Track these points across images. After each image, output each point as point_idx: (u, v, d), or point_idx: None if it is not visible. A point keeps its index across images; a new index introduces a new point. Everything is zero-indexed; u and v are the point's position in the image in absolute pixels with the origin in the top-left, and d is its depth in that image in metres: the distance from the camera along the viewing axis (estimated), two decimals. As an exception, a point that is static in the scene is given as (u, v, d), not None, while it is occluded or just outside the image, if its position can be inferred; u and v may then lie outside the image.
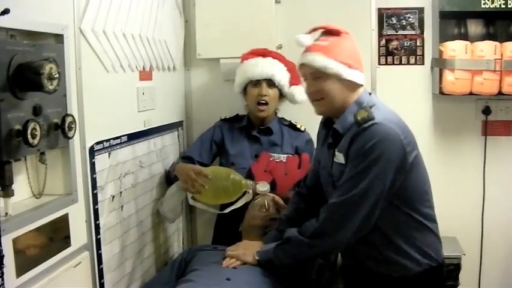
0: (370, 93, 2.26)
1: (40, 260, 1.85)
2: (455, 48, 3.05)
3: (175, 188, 2.87)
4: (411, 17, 3.23)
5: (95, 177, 2.25)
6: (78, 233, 2.11)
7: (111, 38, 2.36)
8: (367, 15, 3.19)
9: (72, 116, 1.95)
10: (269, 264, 2.36)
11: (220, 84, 3.35)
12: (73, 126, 1.95)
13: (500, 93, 3.03)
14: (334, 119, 2.25)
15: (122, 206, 2.49)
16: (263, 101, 2.95)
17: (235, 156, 3.02)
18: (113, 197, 2.41)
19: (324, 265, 2.60)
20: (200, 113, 3.40)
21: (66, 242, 2.02)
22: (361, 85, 2.22)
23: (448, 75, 3.05)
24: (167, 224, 3.04)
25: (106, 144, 2.34)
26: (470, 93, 3.07)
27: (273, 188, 2.83)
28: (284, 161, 2.97)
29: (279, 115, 3.14)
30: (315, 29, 2.25)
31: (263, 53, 3.02)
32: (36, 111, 1.77)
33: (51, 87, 1.72)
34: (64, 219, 2.01)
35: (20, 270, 1.74)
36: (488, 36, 3.16)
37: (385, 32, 3.24)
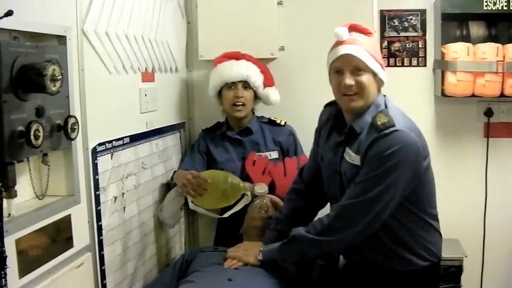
0: (384, 95, 2.27)
1: (43, 261, 1.86)
2: (457, 50, 3.04)
3: (173, 193, 2.88)
4: (413, 18, 3.23)
5: (97, 179, 2.25)
6: (81, 234, 2.11)
7: (113, 40, 2.37)
8: (369, 17, 3.18)
9: (74, 117, 1.96)
10: (272, 264, 2.37)
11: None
12: (76, 127, 1.96)
13: (502, 95, 3.02)
14: (347, 116, 2.26)
15: (124, 207, 2.50)
16: (239, 103, 2.97)
17: (223, 162, 3.03)
18: (115, 198, 2.41)
19: (324, 266, 2.60)
20: (202, 114, 3.40)
21: (68, 243, 2.02)
22: (383, 86, 2.25)
23: (450, 77, 3.04)
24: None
25: (108, 146, 2.35)
26: (473, 95, 3.06)
27: (272, 189, 2.83)
28: (276, 157, 3.01)
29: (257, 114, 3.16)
30: (350, 25, 2.24)
31: (236, 56, 3.05)
32: (39, 112, 1.78)
33: (54, 89, 1.73)
34: (66, 220, 2.01)
35: (23, 271, 1.75)
36: (490, 38, 3.15)
37: (387, 34, 3.24)
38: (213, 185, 2.72)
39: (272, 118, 3.13)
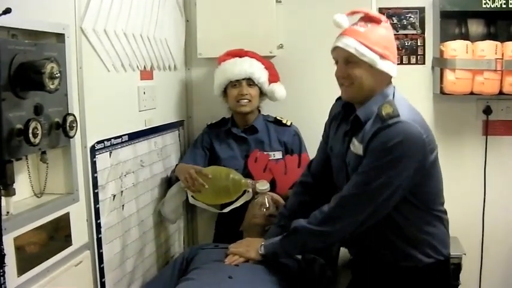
0: (394, 87, 2.26)
1: (41, 259, 1.86)
2: (456, 48, 3.04)
3: (175, 188, 2.88)
4: (412, 16, 3.23)
5: (96, 177, 2.25)
6: (79, 232, 2.11)
7: (112, 38, 2.36)
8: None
9: (73, 115, 1.96)
10: (274, 259, 2.36)
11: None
12: (74, 125, 1.96)
13: (501, 93, 3.03)
14: (356, 106, 2.25)
15: (123, 205, 2.50)
16: (244, 99, 2.97)
17: (226, 159, 3.03)
18: (114, 196, 2.41)
19: (325, 264, 2.60)
20: (201, 112, 3.40)
21: (67, 241, 2.02)
22: (391, 76, 2.24)
23: (449, 75, 3.04)
24: (168, 223, 3.04)
25: (107, 144, 2.35)
26: (471, 93, 3.06)
27: (273, 187, 2.83)
28: (279, 157, 3.00)
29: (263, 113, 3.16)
30: (354, 12, 2.24)
31: (239, 54, 3.05)
32: (38, 110, 1.78)
33: (52, 87, 1.73)
34: (65, 218, 2.01)
35: (21, 269, 1.75)
36: (489, 36, 3.15)
37: (386, 32, 3.24)
38: (214, 181, 2.72)
39: (278, 118, 3.13)
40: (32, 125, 1.71)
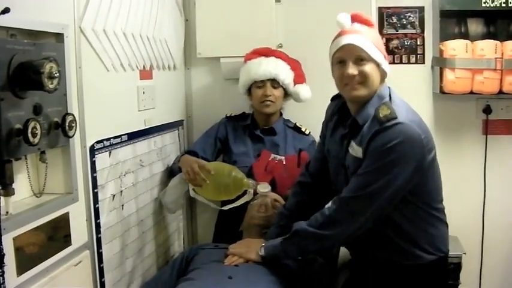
0: (388, 87, 2.26)
1: (40, 259, 1.86)
2: (455, 47, 3.04)
3: (177, 179, 2.88)
4: (411, 16, 3.23)
5: (96, 176, 2.25)
6: (79, 232, 2.11)
7: (111, 37, 2.36)
8: (368, 14, 3.17)
9: (72, 115, 1.96)
10: (274, 261, 2.36)
11: (220, 83, 3.35)
12: (73, 125, 1.95)
13: (500, 92, 3.03)
14: (352, 108, 2.24)
15: (123, 205, 2.50)
16: (268, 101, 2.95)
17: (238, 154, 3.02)
18: (114, 196, 2.41)
19: (325, 264, 2.60)
20: (200, 112, 3.40)
21: (66, 240, 2.02)
22: (386, 77, 2.24)
23: (448, 74, 3.04)
24: (168, 222, 3.04)
25: (106, 143, 2.34)
26: (471, 92, 3.06)
27: (273, 187, 2.83)
28: (284, 162, 2.97)
29: (285, 116, 3.14)
30: (355, 15, 2.24)
31: (266, 53, 3.02)
32: (37, 110, 1.77)
33: (51, 86, 1.73)
34: (64, 218, 2.01)
35: (21, 269, 1.75)
36: (488, 35, 3.15)
37: (385, 31, 3.24)
38: (216, 177, 2.72)
39: (298, 125, 3.11)
40: (31, 124, 1.70)
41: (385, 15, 3.24)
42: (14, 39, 1.73)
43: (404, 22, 3.23)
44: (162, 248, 2.98)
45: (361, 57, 2.14)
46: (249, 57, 3.03)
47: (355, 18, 2.22)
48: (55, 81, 1.74)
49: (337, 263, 2.84)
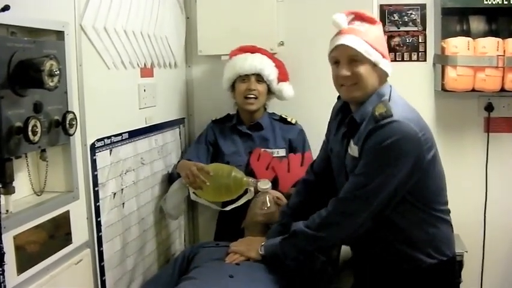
0: (390, 86, 2.23)
1: (41, 257, 1.86)
2: (457, 45, 3.03)
3: (177, 185, 2.87)
4: (413, 13, 3.22)
5: (96, 175, 2.24)
6: (79, 230, 2.11)
7: (112, 35, 2.35)
8: (369, 12, 3.15)
9: (73, 113, 1.95)
10: (274, 259, 2.35)
11: (221, 81, 3.33)
12: (74, 123, 1.95)
13: (502, 89, 3.02)
14: (352, 107, 2.23)
15: (123, 203, 2.49)
16: (252, 96, 2.96)
17: (230, 155, 3.03)
18: (114, 194, 2.40)
19: (326, 262, 2.59)
20: (202, 109, 3.39)
21: (67, 239, 2.02)
22: (387, 75, 2.22)
23: (450, 72, 3.03)
24: (169, 221, 3.04)
25: (107, 141, 2.34)
26: (473, 90, 3.05)
27: (276, 185, 2.82)
28: (283, 155, 2.99)
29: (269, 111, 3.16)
30: (351, 13, 2.21)
31: (252, 50, 3.05)
32: (37, 108, 1.77)
33: (51, 84, 1.72)
34: (65, 216, 2.01)
35: (21, 268, 1.75)
36: (490, 33, 3.14)
37: (387, 29, 3.22)
38: (216, 178, 2.72)
39: (283, 116, 3.12)
40: (32, 122, 1.70)
41: (386, 12, 3.23)
42: (14, 37, 1.73)
43: (406, 19, 3.22)
44: (163, 246, 2.98)
45: (354, 58, 2.13)
46: (234, 53, 3.05)
47: (356, 16, 2.20)
48: (55, 79, 1.73)
49: (338, 261, 2.84)
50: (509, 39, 2.99)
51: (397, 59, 3.24)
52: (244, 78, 2.97)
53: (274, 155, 2.98)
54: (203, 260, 2.48)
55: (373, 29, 2.19)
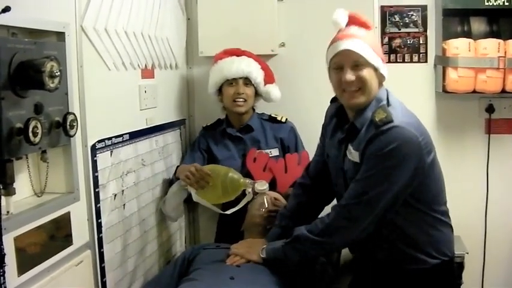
0: (386, 89, 2.23)
1: (41, 259, 1.85)
2: (458, 46, 3.03)
3: (176, 187, 2.87)
4: (414, 14, 3.22)
5: (97, 176, 2.24)
6: (80, 232, 2.10)
7: (112, 36, 2.35)
8: (370, 13, 3.16)
9: (73, 114, 1.95)
10: (276, 262, 2.35)
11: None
12: (75, 124, 1.95)
13: (503, 91, 3.01)
14: (349, 113, 2.23)
15: (124, 205, 2.49)
16: (240, 99, 2.96)
17: (223, 160, 3.02)
18: (115, 195, 2.40)
19: (326, 263, 2.59)
20: (202, 111, 3.39)
21: (67, 240, 2.02)
22: (384, 80, 2.22)
23: (451, 73, 3.03)
24: (169, 222, 3.03)
25: (108, 143, 2.34)
26: (474, 91, 3.05)
27: (274, 185, 2.82)
28: (277, 154, 3.00)
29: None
30: (352, 16, 2.21)
31: (237, 53, 3.04)
32: (38, 109, 1.77)
33: (52, 85, 1.72)
34: (66, 217, 2.00)
35: (22, 269, 1.74)
36: (491, 34, 3.14)
37: (387, 30, 3.22)
38: (214, 179, 2.71)
39: (273, 115, 3.12)
40: (32, 124, 1.70)
41: (387, 13, 3.23)
42: (15, 38, 1.73)
43: (407, 21, 3.22)
44: (163, 247, 2.97)
45: (358, 63, 2.12)
46: (220, 56, 3.04)
47: (352, 20, 2.19)
48: (56, 80, 1.73)
49: (339, 263, 2.83)
50: (510, 40, 2.99)
51: (398, 61, 3.24)
52: (232, 82, 2.97)
53: (271, 155, 2.98)
54: (204, 262, 2.47)
55: (371, 34, 2.21)
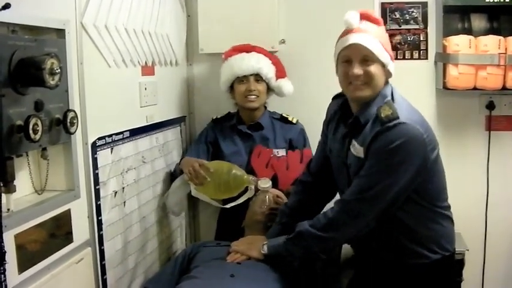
0: (391, 86, 2.24)
1: (42, 256, 1.85)
2: (459, 43, 3.03)
3: (179, 181, 2.88)
4: (415, 11, 3.21)
5: (97, 173, 2.24)
6: (81, 229, 2.10)
7: (113, 33, 2.35)
8: (370, 10, 3.16)
9: (74, 111, 1.95)
10: (277, 259, 2.35)
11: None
12: (75, 121, 1.94)
13: (504, 88, 3.01)
14: (354, 107, 2.23)
15: (125, 202, 2.49)
16: (252, 95, 2.95)
17: (230, 155, 3.02)
18: (116, 192, 2.40)
19: (327, 260, 2.59)
20: (203, 108, 3.39)
21: (68, 238, 2.01)
22: (390, 77, 2.22)
23: (451, 70, 3.03)
24: (170, 219, 3.04)
25: (108, 140, 2.34)
26: (474, 88, 3.05)
27: (275, 182, 2.82)
28: (283, 155, 2.98)
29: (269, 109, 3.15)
30: (363, 14, 2.20)
31: (246, 49, 3.03)
32: (38, 106, 1.77)
33: (52, 83, 1.72)
34: (66, 215, 2.00)
35: (22, 267, 1.74)
36: (492, 31, 3.13)
37: (388, 27, 3.21)
38: (216, 175, 2.72)
39: (284, 115, 3.11)
40: (33, 121, 1.70)
41: (388, 10, 3.22)
42: (15, 35, 1.72)
43: (408, 17, 3.21)
44: (164, 244, 2.97)
45: (367, 58, 2.12)
46: (229, 53, 3.03)
47: (364, 16, 2.19)
48: (56, 78, 1.73)
49: (339, 260, 2.83)
50: (510, 37, 2.99)
51: (399, 57, 3.23)
52: (242, 79, 2.96)
53: (278, 156, 2.97)
54: (204, 259, 2.47)
55: (381, 30, 2.21)
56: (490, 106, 3.22)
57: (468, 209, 3.19)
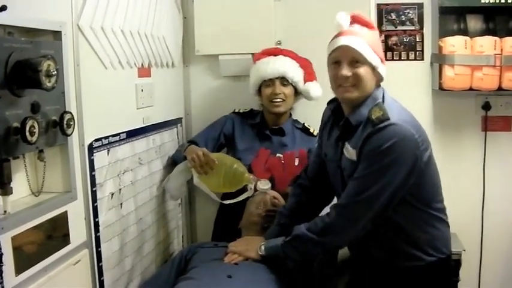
0: (382, 88, 2.24)
1: (39, 258, 1.85)
2: (454, 44, 3.04)
3: (182, 166, 2.88)
4: (410, 12, 3.22)
5: (94, 175, 2.24)
6: (77, 231, 2.10)
7: (109, 35, 2.35)
8: (366, 11, 3.15)
9: (70, 113, 1.95)
10: (274, 260, 2.36)
11: (219, 81, 3.34)
12: (71, 123, 1.94)
13: (500, 88, 3.03)
14: (345, 110, 2.24)
15: (121, 203, 2.49)
16: (278, 99, 2.94)
17: (243, 151, 3.02)
18: (112, 194, 2.40)
19: (324, 260, 2.59)
20: (199, 109, 3.39)
21: (65, 239, 2.01)
22: (382, 81, 2.23)
23: (447, 71, 3.04)
24: (167, 220, 3.04)
25: (105, 142, 2.33)
26: (470, 89, 3.06)
27: (272, 184, 2.82)
28: (282, 160, 2.98)
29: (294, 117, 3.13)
30: (353, 16, 2.21)
31: (274, 52, 3.02)
32: (35, 108, 1.76)
33: (49, 84, 1.72)
34: (63, 216, 2.00)
35: (19, 268, 1.74)
36: (487, 32, 3.15)
37: (384, 28, 3.23)
38: (218, 168, 2.72)
39: (306, 126, 3.09)
40: (29, 123, 1.69)
41: (384, 11, 3.23)
42: (11, 37, 1.72)
43: (403, 19, 3.23)
44: (161, 246, 2.97)
45: (356, 59, 2.13)
46: (258, 57, 3.03)
47: (355, 19, 2.20)
48: (53, 79, 1.73)
49: (337, 261, 2.84)
50: (506, 38, 3.00)
51: (395, 58, 3.24)
52: (268, 82, 2.95)
53: (277, 156, 2.98)
54: (201, 260, 2.47)
55: (372, 34, 2.21)
56: (486, 107, 3.23)
57: (464, 209, 3.21)
